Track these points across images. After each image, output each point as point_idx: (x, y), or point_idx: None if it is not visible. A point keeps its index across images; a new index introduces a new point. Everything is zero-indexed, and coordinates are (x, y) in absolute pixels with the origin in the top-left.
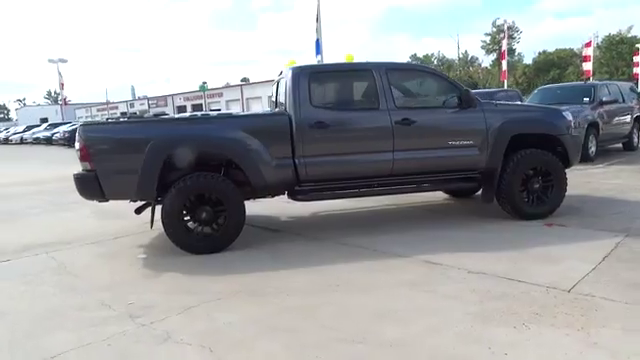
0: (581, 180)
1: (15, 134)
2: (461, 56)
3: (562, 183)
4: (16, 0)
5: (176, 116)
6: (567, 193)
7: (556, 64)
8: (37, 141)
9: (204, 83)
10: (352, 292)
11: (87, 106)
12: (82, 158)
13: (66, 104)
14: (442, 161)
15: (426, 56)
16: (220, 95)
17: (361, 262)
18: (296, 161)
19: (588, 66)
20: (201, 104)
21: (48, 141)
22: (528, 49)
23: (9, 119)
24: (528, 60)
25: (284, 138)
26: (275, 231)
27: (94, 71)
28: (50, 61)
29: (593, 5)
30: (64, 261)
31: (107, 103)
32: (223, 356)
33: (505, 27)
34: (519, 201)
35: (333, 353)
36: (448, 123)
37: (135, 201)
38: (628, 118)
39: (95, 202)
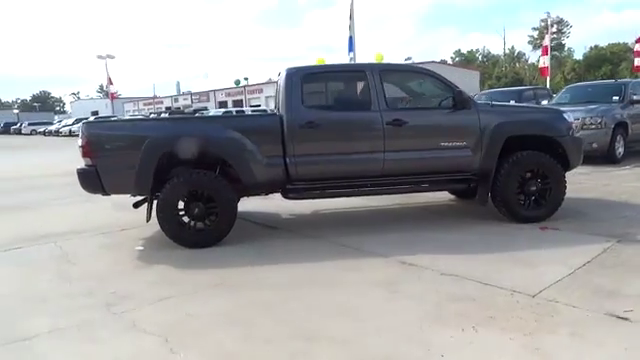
0: (600, 182)
1: (65, 126)
2: (507, 52)
3: (560, 186)
4: None
5: (174, 116)
6: (577, 196)
7: (608, 59)
8: None
9: (245, 79)
10: (321, 289)
11: (135, 100)
12: (84, 154)
13: (113, 98)
14: (434, 162)
15: (470, 52)
16: (260, 91)
17: (341, 260)
18: (287, 160)
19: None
20: (242, 100)
21: None
22: (579, 44)
23: (64, 112)
24: (579, 55)
25: (275, 138)
26: (272, 228)
27: (143, 66)
28: (99, 57)
29: None
30: (69, 250)
31: (153, 98)
32: (175, 345)
33: (548, 22)
34: (514, 203)
35: (278, 347)
36: (440, 124)
37: (135, 195)
38: None
39: (114, 195)
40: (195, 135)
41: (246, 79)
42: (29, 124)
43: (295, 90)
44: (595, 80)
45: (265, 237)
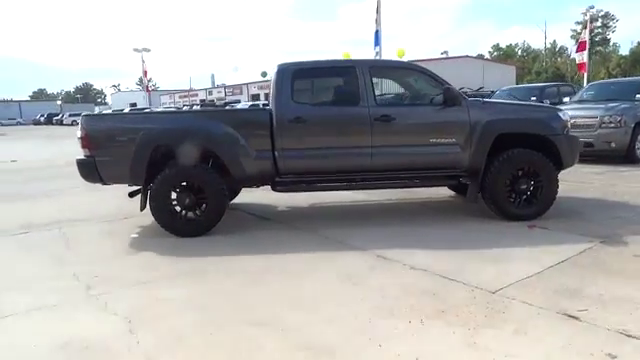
0: (608, 182)
1: None
2: (549, 46)
3: (552, 185)
4: None
5: (168, 109)
6: (579, 195)
7: None
8: None
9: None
10: (288, 279)
11: (171, 93)
12: (83, 145)
13: (149, 91)
14: (422, 158)
15: (509, 46)
16: None
17: (319, 252)
18: (275, 154)
19: None
20: None
21: None
22: (625, 39)
23: (106, 103)
24: (625, 51)
25: (264, 132)
26: (265, 219)
27: (181, 59)
28: (135, 50)
29: None
30: (70, 236)
31: (188, 90)
32: (135, 327)
33: (588, 15)
34: (503, 201)
35: (228, 332)
36: (429, 121)
37: (132, 185)
38: None
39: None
40: (186, 128)
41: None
42: (70, 115)
43: (285, 85)
44: None
45: (255, 228)
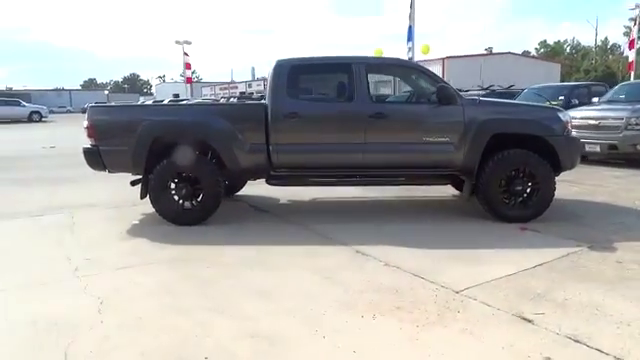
0: (624, 187)
1: None
2: (599, 43)
3: (548, 187)
4: None
5: (168, 103)
6: (587, 199)
7: None
8: None
9: None
10: (262, 270)
11: (212, 85)
12: (88, 135)
13: (189, 82)
14: (415, 157)
15: (557, 43)
16: None
17: (302, 246)
18: (270, 148)
19: None
20: None
21: None
22: None
23: (151, 94)
24: None
25: (259, 126)
26: (264, 212)
27: (223, 52)
28: (176, 42)
29: None
30: (77, 221)
31: (229, 83)
32: (104, 308)
33: (638, 12)
34: (496, 202)
35: (187, 317)
36: (423, 119)
37: (134, 174)
38: None
39: None
40: (183, 121)
41: None
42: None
43: (281, 81)
44: None
45: (250, 220)
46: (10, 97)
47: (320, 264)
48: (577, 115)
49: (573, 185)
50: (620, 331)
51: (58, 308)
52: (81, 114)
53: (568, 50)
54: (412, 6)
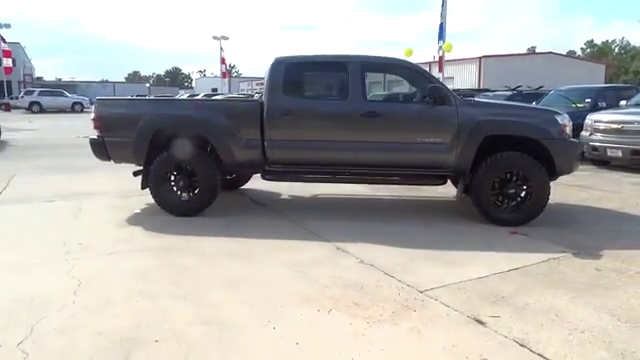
0: (639, 195)
1: None
2: None
3: (542, 191)
4: None
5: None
6: (593, 205)
7: None
8: None
9: None
10: (239, 262)
11: (249, 80)
12: (94, 126)
13: (225, 77)
14: (407, 156)
15: (605, 43)
16: None
17: (286, 241)
18: (265, 144)
19: None
20: None
21: None
22: None
23: (192, 87)
24: None
25: (255, 123)
26: (262, 206)
27: (262, 47)
28: (214, 38)
29: None
30: (84, 207)
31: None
32: (80, 289)
33: None
34: (488, 204)
35: (152, 303)
36: (415, 119)
37: (138, 165)
38: None
39: None
40: (182, 115)
41: None
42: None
43: (277, 78)
44: None
45: (246, 213)
46: (58, 88)
47: (297, 259)
48: (603, 119)
49: (584, 190)
50: (571, 338)
51: (39, 287)
52: None
53: (617, 50)
54: (444, 3)
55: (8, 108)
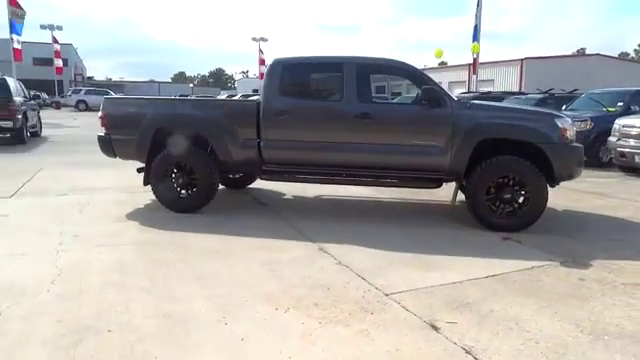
0: None
1: None
2: None
3: (539, 197)
4: None
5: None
6: (605, 213)
7: None
8: None
9: None
10: (217, 258)
11: None
12: (102, 124)
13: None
14: (400, 158)
15: None
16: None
17: (271, 239)
18: (261, 144)
19: None
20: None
21: None
22: None
23: (234, 88)
24: None
25: (251, 123)
26: (263, 205)
27: (302, 49)
28: (253, 39)
29: None
30: (92, 201)
31: None
32: (59, 279)
33: None
34: (482, 209)
35: (119, 293)
36: (409, 120)
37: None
38: None
39: None
40: (182, 115)
41: None
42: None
43: (274, 79)
44: None
45: (243, 211)
46: (107, 87)
47: (277, 258)
48: (631, 123)
49: (599, 198)
50: (522, 347)
51: (21, 275)
52: None
53: None
54: (479, 4)
55: (58, 106)
